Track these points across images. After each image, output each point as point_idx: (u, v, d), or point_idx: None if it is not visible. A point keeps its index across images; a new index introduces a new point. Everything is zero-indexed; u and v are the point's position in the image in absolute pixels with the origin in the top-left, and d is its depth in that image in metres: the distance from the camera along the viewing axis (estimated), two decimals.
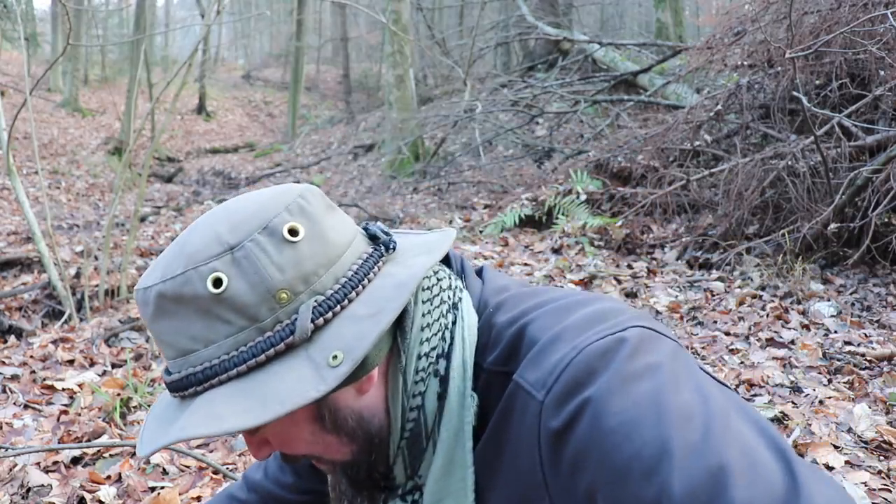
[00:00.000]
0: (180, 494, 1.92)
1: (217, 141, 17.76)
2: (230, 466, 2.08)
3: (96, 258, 4.47)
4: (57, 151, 12.68)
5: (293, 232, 0.66)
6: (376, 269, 0.69)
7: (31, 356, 3.09)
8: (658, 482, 0.54)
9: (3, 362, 2.99)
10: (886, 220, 3.87)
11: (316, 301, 0.65)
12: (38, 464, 2.06)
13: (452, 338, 0.70)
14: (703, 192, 4.68)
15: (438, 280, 0.74)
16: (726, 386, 0.67)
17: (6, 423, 2.37)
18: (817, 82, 4.22)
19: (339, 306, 0.65)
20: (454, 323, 0.71)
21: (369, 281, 0.68)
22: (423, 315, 0.71)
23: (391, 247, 0.72)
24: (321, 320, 0.64)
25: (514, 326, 0.69)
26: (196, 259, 0.64)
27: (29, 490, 1.94)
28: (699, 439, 0.55)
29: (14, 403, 2.55)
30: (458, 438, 0.69)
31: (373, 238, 0.73)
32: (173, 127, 17.27)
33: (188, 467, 2.09)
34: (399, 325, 0.70)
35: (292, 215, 0.66)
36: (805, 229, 3.69)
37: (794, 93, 3.79)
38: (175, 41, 31.46)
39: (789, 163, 3.97)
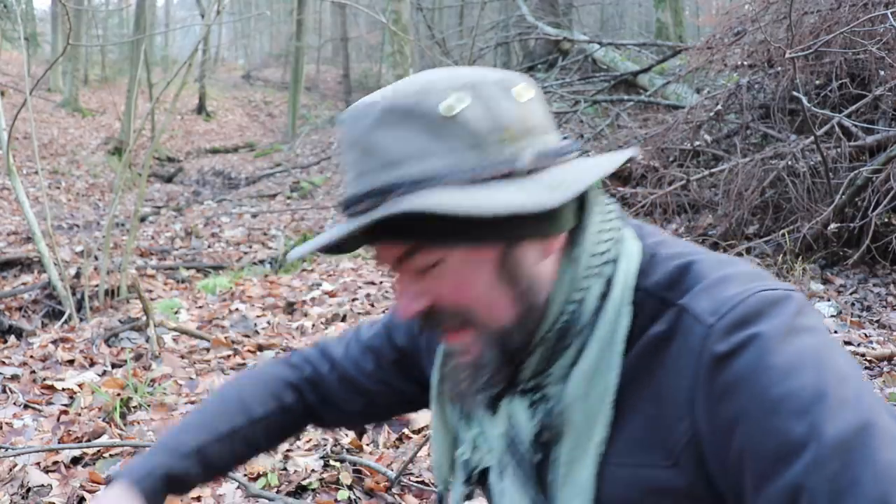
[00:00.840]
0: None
1: (217, 141, 17.76)
2: None
3: (96, 258, 4.47)
4: (57, 151, 12.68)
5: (521, 93, 0.69)
6: (573, 155, 0.73)
7: (31, 356, 3.09)
8: (809, 421, 0.56)
9: (3, 362, 2.99)
10: (886, 220, 3.87)
11: (536, 148, 0.68)
12: (38, 464, 2.06)
13: (620, 250, 0.73)
14: (703, 192, 4.68)
15: (610, 202, 0.77)
16: None
17: (6, 423, 2.37)
18: (817, 82, 4.23)
19: (555, 158, 0.69)
20: (622, 239, 0.74)
21: (569, 159, 0.72)
22: (601, 221, 0.73)
23: (579, 149, 0.75)
24: (540, 163, 0.68)
25: (677, 260, 0.72)
26: (437, 85, 0.67)
27: (29, 490, 1.94)
28: (853, 397, 0.58)
29: (14, 403, 2.55)
30: (611, 343, 0.70)
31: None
32: (173, 127, 17.27)
33: None
34: (579, 221, 0.73)
35: (521, 80, 0.71)
36: (805, 229, 3.69)
37: (794, 93, 3.79)
38: (175, 41, 31.47)
39: (789, 163, 3.97)
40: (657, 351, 0.68)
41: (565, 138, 0.75)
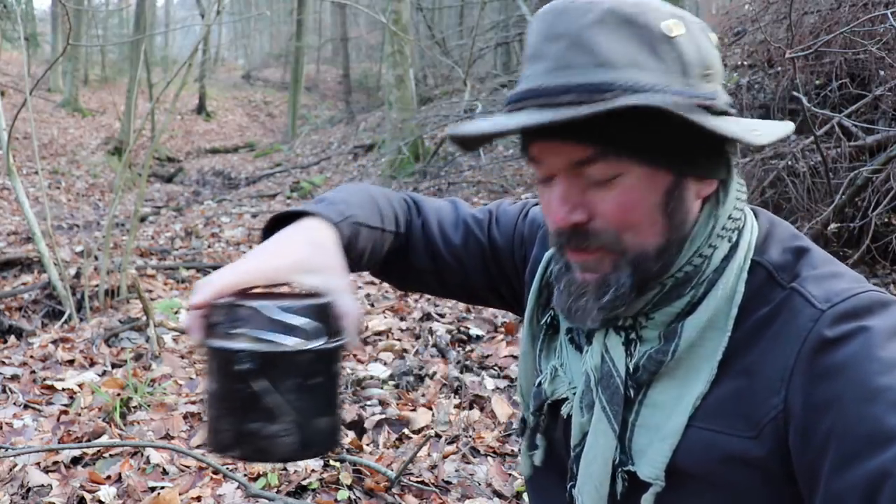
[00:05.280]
0: (180, 494, 1.92)
1: (217, 141, 17.77)
2: (230, 466, 2.08)
3: (96, 258, 4.46)
4: (57, 151, 12.68)
5: (715, 41, 0.73)
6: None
7: (31, 356, 3.09)
8: None
9: (3, 362, 2.99)
10: (886, 220, 3.87)
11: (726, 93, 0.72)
12: (38, 464, 2.06)
13: (745, 223, 0.76)
14: None
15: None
16: None
17: (6, 423, 2.37)
18: (817, 82, 4.22)
19: (733, 111, 0.73)
20: (746, 215, 0.77)
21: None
22: (738, 190, 0.76)
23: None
24: (729, 111, 0.72)
25: (792, 243, 0.75)
26: (652, 6, 0.69)
27: (29, 490, 1.94)
28: None
29: (14, 403, 2.55)
30: (726, 302, 0.71)
31: None
32: (173, 127, 17.27)
33: (188, 467, 2.09)
34: (724, 183, 0.75)
35: (713, 30, 0.74)
36: (805, 229, 3.69)
37: (794, 93, 3.79)
38: (175, 41, 31.46)
39: (789, 163, 3.97)
40: (763, 326, 0.70)
41: None
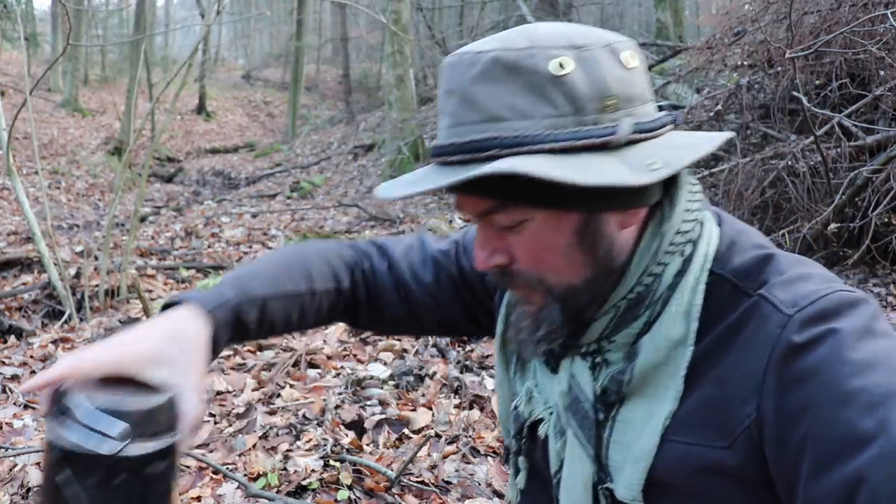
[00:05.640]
0: (180, 494, 1.92)
1: (217, 141, 17.77)
2: (230, 466, 2.08)
3: (96, 258, 4.47)
4: (57, 151, 12.68)
5: (628, 60, 0.69)
6: (669, 127, 0.73)
7: (31, 356, 3.09)
8: (880, 417, 0.57)
9: (3, 362, 2.99)
10: (886, 220, 3.87)
11: (635, 119, 0.68)
12: (38, 464, 2.06)
13: (701, 232, 0.74)
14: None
15: (697, 183, 0.78)
16: None
17: (6, 423, 2.37)
18: (817, 82, 4.22)
19: (652, 133, 0.69)
20: (704, 223, 0.75)
21: (668, 130, 0.72)
22: (689, 200, 0.74)
23: (677, 121, 0.75)
24: (637, 136, 0.68)
25: (758, 251, 0.73)
26: (542, 42, 0.66)
27: (29, 490, 1.94)
28: None
29: (14, 403, 2.55)
30: (686, 317, 0.71)
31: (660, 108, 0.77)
32: (173, 127, 17.27)
33: (188, 467, 2.09)
34: (670, 195, 0.74)
35: (629, 47, 0.70)
36: (805, 229, 3.69)
37: (794, 93, 3.79)
38: (175, 41, 31.46)
39: (789, 163, 3.97)
40: (730, 335, 0.69)
41: (662, 108, 0.75)
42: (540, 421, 0.82)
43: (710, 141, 0.72)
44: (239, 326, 0.81)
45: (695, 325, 0.70)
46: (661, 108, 0.75)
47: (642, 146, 0.68)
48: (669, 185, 0.74)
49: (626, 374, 0.72)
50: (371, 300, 0.98)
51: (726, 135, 0.74)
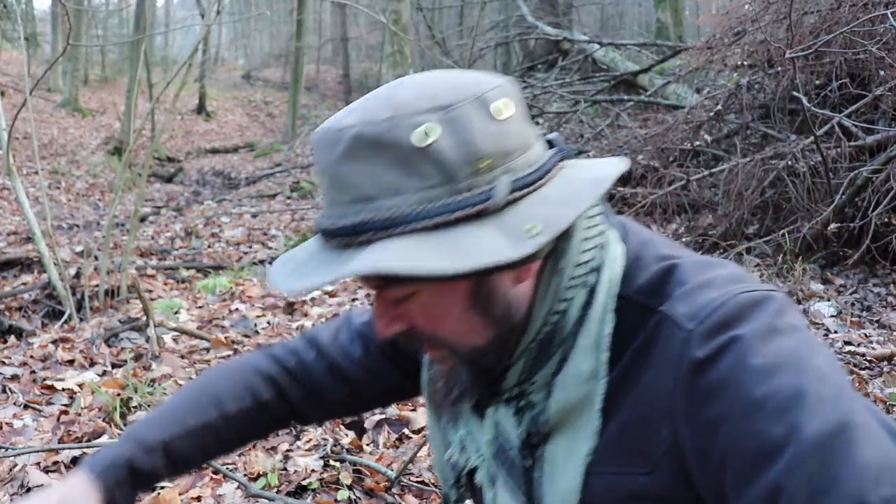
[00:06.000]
0: (180, 494, 1.92)
1: (217, 141, 17.76)
2: (230, 466, 2.08)
3: (96, 258, 4.47)
4: (57, 151, 12.68)
5: (501, 109, 0.66)
6: (557, 168, 0.70)
7: (31, 356, 3.09)
8: (789, 422, 0.56)
9: (3, 362, 2.98)
10: (886, 220, 3.87)
11: (512, 177, 0.65)
12: (38, 464, 2.06)
13: (604, 256, 0.72)
14: (703, 192, 4.68)
15: (594, 204, 0.76)
16: None
17: (6, 423, 2.37)
18: (817, 82, 4.22)
19: (532, 187, 0.66)
20: (605, 245, 0.73)
21: (553, 176, 0.69)
22: (585, 229, 0.72)
23: (568, 154, 0.73)
24: (515, 195, 0.65)
25: (660, 263, 0.71)
26: (405, 109, 0.63)
27: (29, 490, 1.94)
28: (833, 396, 0.58)
29: (14, 403, 2.55)
30: (595, 349, 0.70)
31: (550, 145, 0.74)
32: (173, 127, 17.27)
33: None
34: (565, 236, 0.71)
35: (501, 94, 0.67)
36: (805, 229, 3.69)
37: (794, 93, 3.79)
38: (175, 41, 31.46)
39: (789, 163, 3.97)
40: (639, 358, 0.68)
41: (550, 140, 0.73)
42: (476, 468, 0.81)
43: (595, 186, 0.68)
44: (139, 477, 0.85)
45: (605, 357, 0.69)
46: (550, 144, 0.72)
47: (524, 204, 0.65)
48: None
49: (542, 414, 0.72)
50: (309, 394, 0.99)
51: (613, 172, 0.70)
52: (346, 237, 0.65)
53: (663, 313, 0.67)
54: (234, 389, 0.94)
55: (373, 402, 1.08)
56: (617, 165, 0.72)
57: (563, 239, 0.70)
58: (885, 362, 2.55)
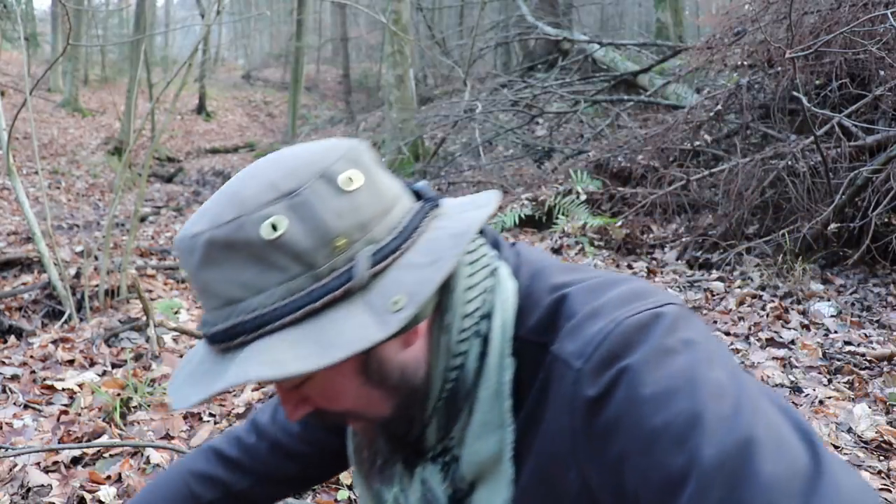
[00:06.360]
0: None
1: (217, 141, 17.77)
2: None
3: (96, 258, 4.47)
4: (57, 151, 12.68)
5: (349, 180, 0.65)
6: (426, 221, 0.69)
7: (31, 356, 3.09)
8: (688, 449, 0.55)
9: (3, 362, 2.98)
10: (886, 220, 3.87)
11: (372, 249, 0.64)
12: (38, 464, 2.06)
13: (493, 301, 0.70)
14: (703, 192, 4.68)
15: (479, 245, 0.74)
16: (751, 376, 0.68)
17: (6, 423, 2.37)
18: (817, 82, 4.22)
19: (394, 254, 0.65)
20: (494, 288, 0.71)
21: (420, 233, 0.67)
22: (468, 276, 0.70)
23: (437, 203, 0.71)
24: (378, 267, 0.64)
25: (551, 297, 0.69)
26: (250, 205, 0.63)
27: (29, 490, 1.94)
28: (730, 413, 0.56)
29: (14, 403, 2.55)
30: (496, 398, 0.69)
31: (418, 195, 0.73)
32: (173, 127, 17.27)
33: None
34: (445, 283, 0.69)
35: (348, 164, 0.65)
36: (805, 229, 3.69)
37: (794, 93, 3.79)
38: (175, 41, 31.46)
39: (789, 163, 3.97)
40: (541, 401, 0.67)
41: (417, 190, 0.71)
42: None
43: (461, 238, 0.66)
44: None
45: (508, 404, 0.68)
46: (417, 195, 0.71)
47: (390, 273, 0.64)
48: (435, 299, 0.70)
49: (457, 470, 0.72)
50: (259, 479, 1.00)
51: (482, 216, 0.69)
52: (222, 342, 0.65)
53: (553, 353, 0.66)
54: (171, 501, 0.96)
55: (326, 472, 1.07)
56: (484, 208, 0.71)
57: (445, 293, 0.69)
58: (885, 362, 2.55)
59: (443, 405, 0.71)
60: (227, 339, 0.64)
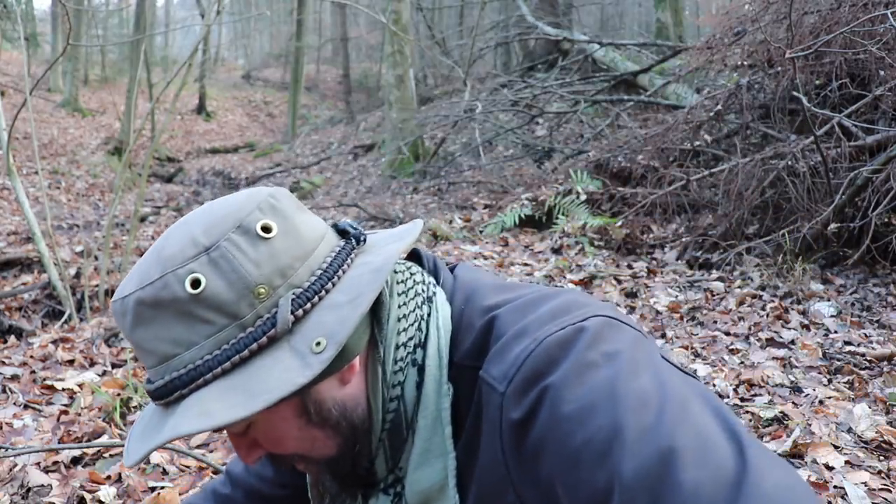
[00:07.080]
0: (180, 494, 1.92)
1: (217, 141, 17.76)
2: None
3: (96, 258, 4.47)
4: (57, 151, 12.68)
5: (266, 229, 0.66)
6: (350, 259, 0.70)
7: (31, 356, 3.09)
8: (609, 466, 0.55)
9: (3, 362, 2.98)
10: (886, 220, 3.87)
11: (294, 293, 0.65)
12: (38, 464, 2.06)
13: (428, 328, 0.71)
14: (703, 192, 4.68)
15: (412, 274, 0.76)
16: (690, 374, 0.68)
17: (6, 423, 2.37)
18: (817, 82, 4.22)
19: (317, 296, 0.66)
20: (429, 315, 0.72)
21: (344, 272, 0.69)
22: (399, 307, 0.72)
23: (361, 239, 0.73)
24: (301, 311, 0.65)
25: (484, 318, 0.70)
26: (172, 263, 0.65)
27: (29, 490, 1.94)
28: (652, 422, 0.56)
29: (14, 403, 2.55)
30: (435, 426, 0.70)
31: (343, 233, 0.74)
32: (173, 127, 17.27)
33: (188, 467, 2.09)
34: (376, 317, 0.71)
35: (264, 213, 0.67)
36: (805, 229, 3.69)
37: (794, 93, 3.79)
38: (175, 41, 31.45)
39: (789, 163, 3.97)
40: (476, 425, 0.68)
41: (341, 227, 0.73)
42: None
43: (378, 274, 0.67)
44: None
45: (448, 431, 0.69)
46: (337, 228, 0.73)
47: (314, 315, 0.65)
48: (377, 304, 0.71)
49: (402, 500, 0.73)
50: None
51: (401, 247, 0.70)
52: (163, 399, 0.67)
53: (481, 377, 0.67)
54: None
55: None
56: (406, 239, 0.72)
57: (377, 326, 0.70)
58: (885, 362, 2.54)
59: (387, 437, 0.72)
60: (167, 395, 0.66)
